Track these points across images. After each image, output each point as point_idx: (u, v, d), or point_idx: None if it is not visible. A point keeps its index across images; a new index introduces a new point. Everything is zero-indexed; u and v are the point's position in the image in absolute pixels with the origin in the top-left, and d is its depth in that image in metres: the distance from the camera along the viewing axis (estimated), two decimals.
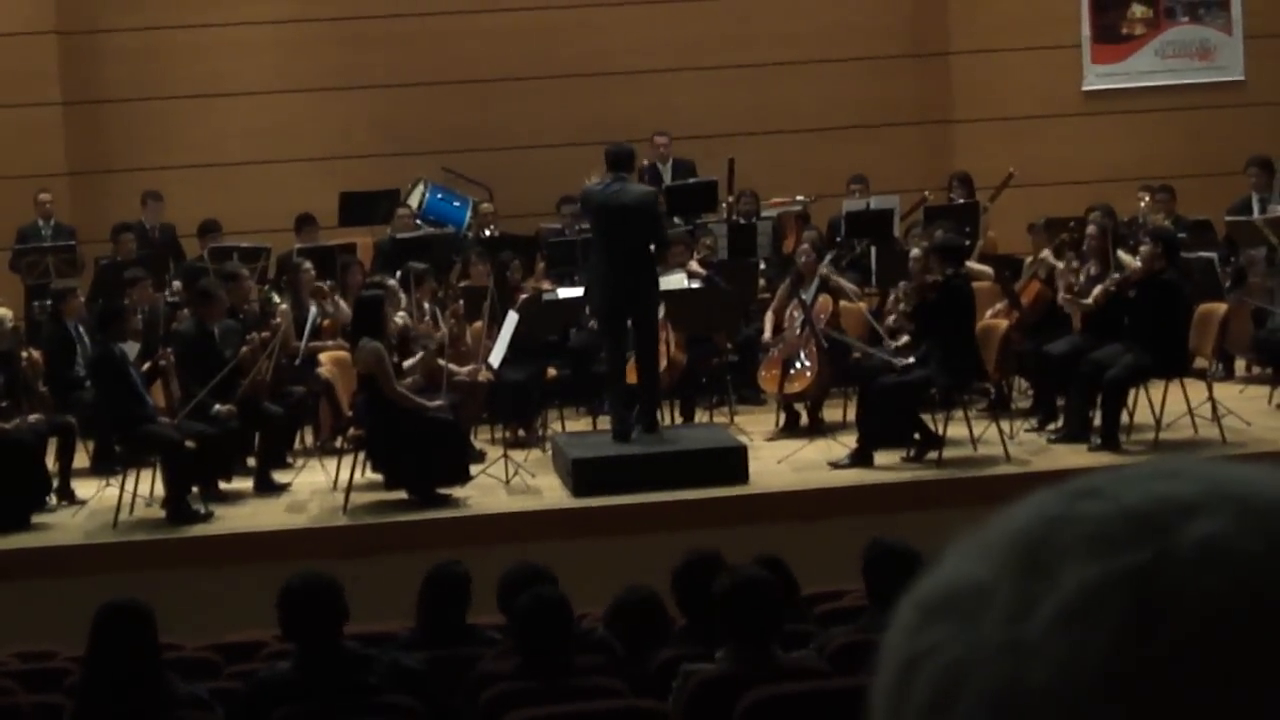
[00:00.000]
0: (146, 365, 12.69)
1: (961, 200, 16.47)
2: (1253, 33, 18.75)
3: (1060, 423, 13.18)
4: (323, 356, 13.35)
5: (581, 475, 12.07)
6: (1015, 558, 0.95)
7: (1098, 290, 13.09)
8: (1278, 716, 0.89)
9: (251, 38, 17.95)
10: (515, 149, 17.84)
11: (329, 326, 13.86)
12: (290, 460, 13.45)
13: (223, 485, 12.55)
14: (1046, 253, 14.01)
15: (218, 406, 12.24)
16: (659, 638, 7.37)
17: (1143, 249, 13.05)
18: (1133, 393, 12.81)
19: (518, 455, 12.90)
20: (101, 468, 13.16)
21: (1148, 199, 16.44)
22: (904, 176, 17.49)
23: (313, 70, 18.05)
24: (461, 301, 14.17)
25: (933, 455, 12.56)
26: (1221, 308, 13.67)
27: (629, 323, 12.57)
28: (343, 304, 13.88)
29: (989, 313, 13.86)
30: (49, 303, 13.97)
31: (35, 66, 17.46)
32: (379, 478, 12.31)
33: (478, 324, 13.87)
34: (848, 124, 18.39)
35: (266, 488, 12.74)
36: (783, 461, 12.80)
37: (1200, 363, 13.40)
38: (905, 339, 12.99)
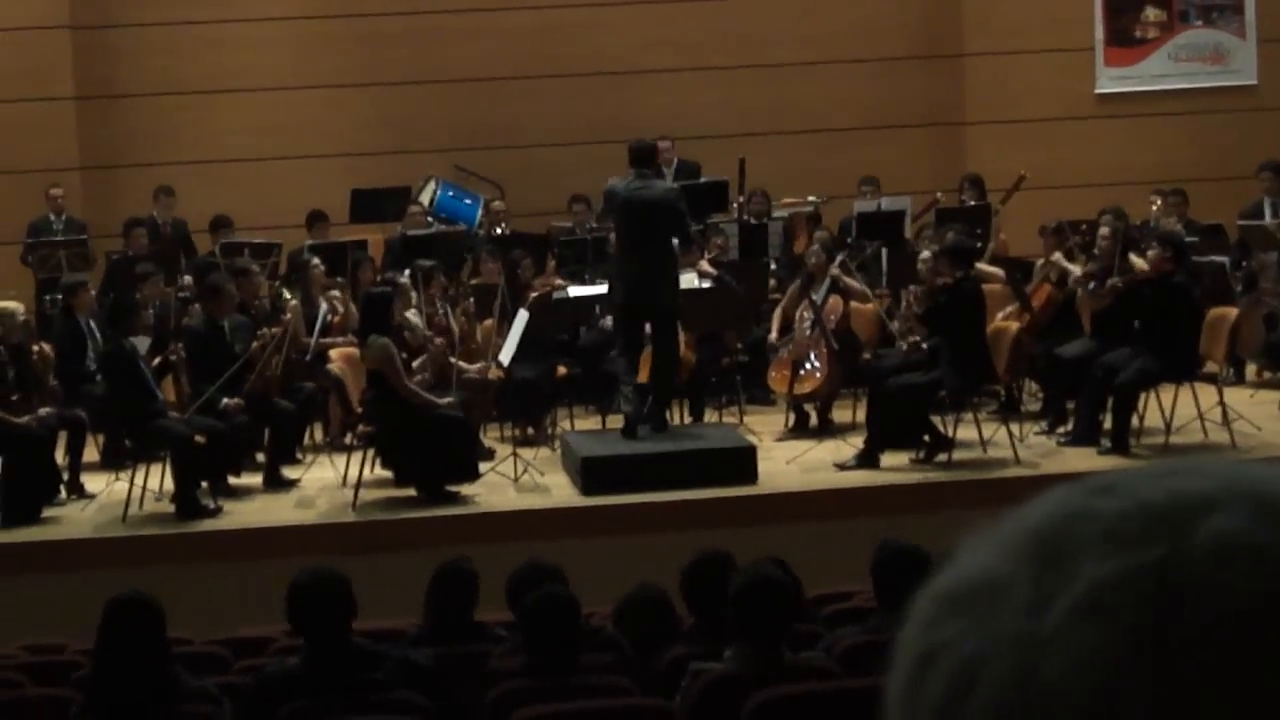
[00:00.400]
0: (157, 360, 12.70)
1: (973, 202, 16.45)
2: (1266, 37, 18.73)
3: (1070, 426, 13.17)
4: (333, 353, 13.35)
5: (590, 474, 12.07)
6: (1032, 552, 0.95)
7: (1111, 281, 13.08)
8: None
9: (264, 34, 17.96)
10: (527, 147, 17.85)
11: (339, 323, 13.87)
12: (300, 456, 13.46)
13: (232, 480, 12.55)
14: (1058, 255, 13.99)
15: (225, 400, 12.26)
16: (667, 636, 7.38)
17: (1150, 253, 13.04)
18: (1143, 396, 12.80)
19: (527, 453, 12.90)
20: (111, 462, 13.19)
21: (1160, 202, 16.42)
22: (915, 178, 17.49)
23: (325, 67, 18.06)
24: (472, 299, 14.18)
25: (942, 457, 12.55)
26: (1233, 312, 13.65)
27: (647, 320, 12.58)
28: (352, 306, 13.88)
29: (1000, 315, 13.85)
30: (60, 297, 13.99)
31: (48, 61, 17.48)
32: (388, 474, 12.32)
33: (488, 322, 13.89)
34: (860, 125, 18.38)
35: (276, 483, 12.75)
36: (792, 462, 12.80)
37: (1211, 367, 13.39)
38: (913, 338, 12.97)
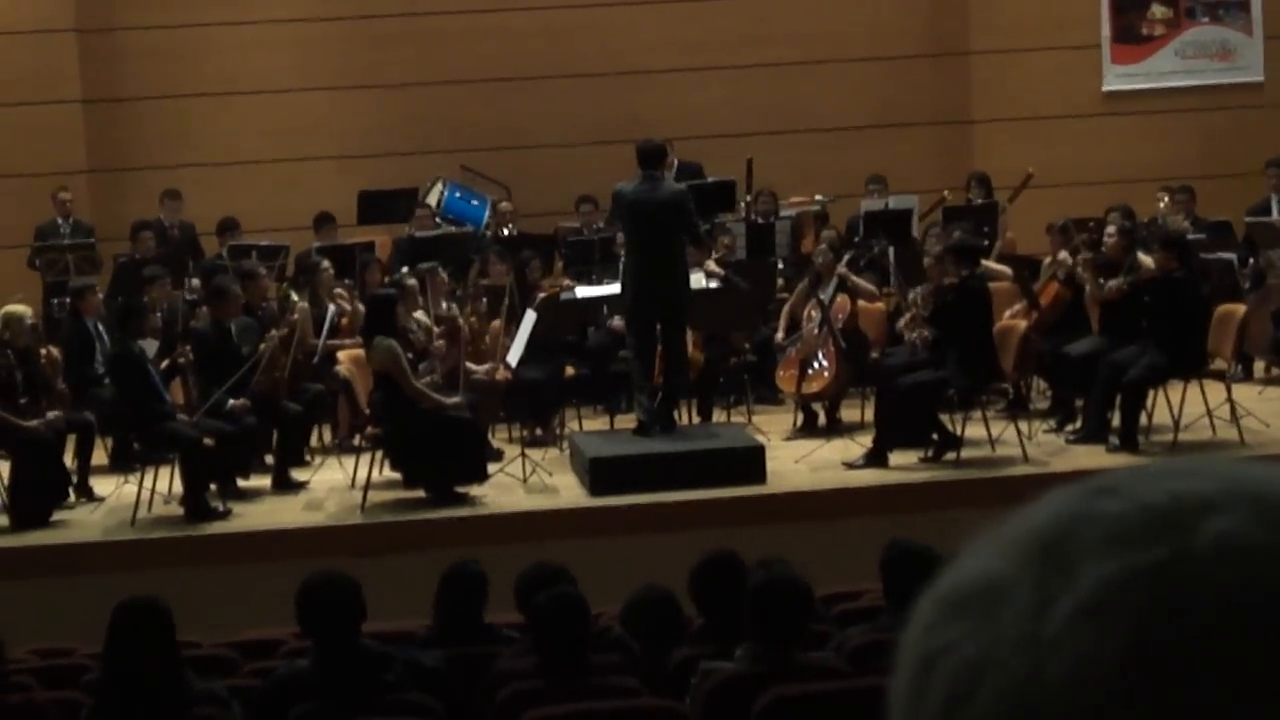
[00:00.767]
0: (165, 363, 12.70)
1: (980, 200, 16.45)
2: (1273, 34, 18.71)
3: (1079, 424, 13.17)
4: (341, 354, 13.36)
5: (599, 474, 12.07)
6: (1034, 555, 0.95)
7: (1111, 284, 13.08)
8: None
9: (271, 36, 17.96)
10: (534, 148, 17.85)
11: (347, 325, 13.87)
12: (308, 458, 13.47)
13: (241, 483, 12.57)
14: (1065, 254, 13.98)
15: (231, 402, 12.26)
16: (675, 636, 7.38)
17: (1154, 255, 13.03)
18: (1151, 394, 12.79)
19: (535, 454, 12.91)
20: (120, 465, 13.20)
21: (1167, 200, 16.41)
22: (922, 176, 17.48)
23: (332, 69, 18.07)
24: (485, 299, 14.17)
25: (951, 456, 12.55)
26: (1240, 309, 13.64)
27: (658, 321, 12.58)
28: (360, 307, 13.89)
29: (1007, 313, 13.84)
30: (68, 300, 14.00)
31: (55, 65, 17.49)
32: (397, 476, 12.32)
33: (495, 323, 13.89)
34: (866, 124, 18.38)
35: (284, 485, 12.75)
36: (800, 461, 12.80)
37: (1219, 364, 13.38)
38: (916, 333, 12.97)
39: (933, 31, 18.66)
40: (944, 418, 12.69)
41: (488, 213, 17.08)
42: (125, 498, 12.26)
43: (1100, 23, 18.72)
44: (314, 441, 13.84)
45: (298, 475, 12.94)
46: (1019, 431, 12.69)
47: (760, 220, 16.16)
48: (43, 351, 13.01)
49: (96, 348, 13.38)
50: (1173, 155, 17.99)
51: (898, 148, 18.11)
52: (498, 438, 13.70)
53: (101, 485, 12.77)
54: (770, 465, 12.30)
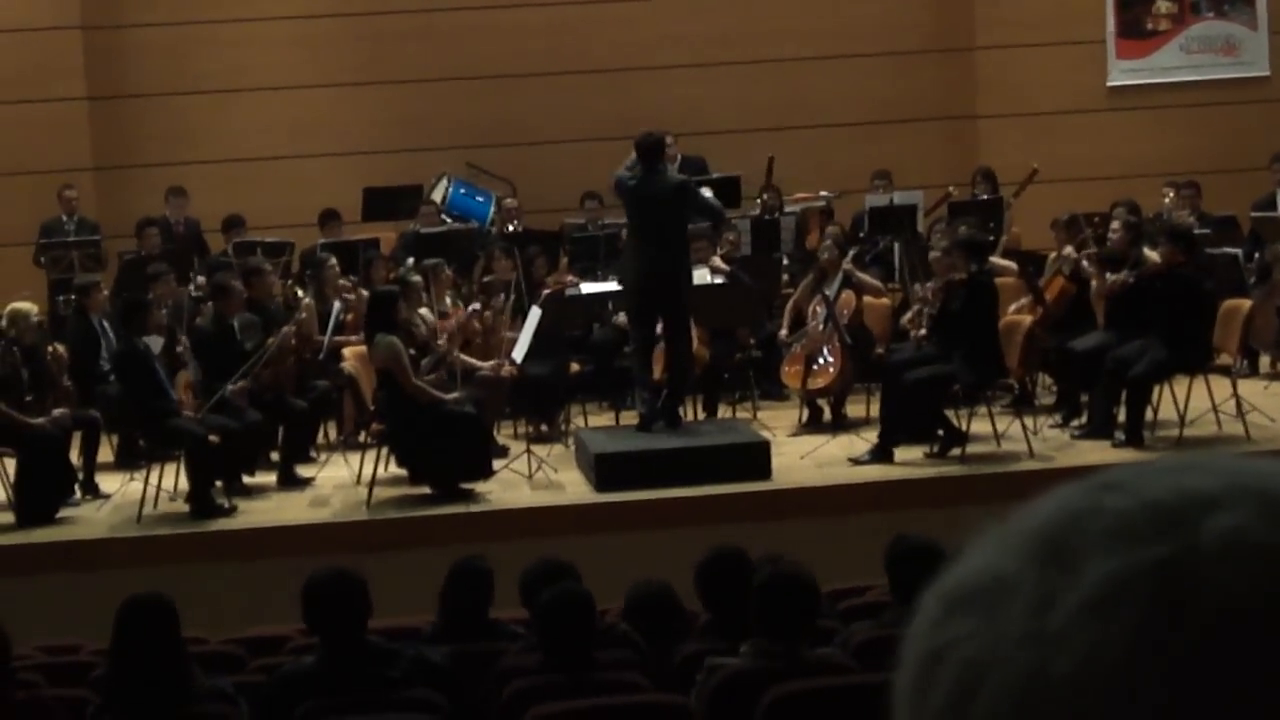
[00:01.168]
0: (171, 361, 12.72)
1: (986, 196, 16.45)
2: (1278, 28, 18.69)
3: (1084, 419, 13.16)
4: (346, 351, 13.36)
5: (604, 470, 12.07)
6: (1038, 551, 0.95)
7: (1115, 278, 13.08)
8: None
9: (276, 33, 17.97)
10: (538, 144, 17.85)
11: (353, 321, 13.87)
12: (314, 455, 13.47)
13: (246, 479, 12.57)
14: (1070, 249, 13.97)
15: (229, 387, 12.26)
16: (676, 631, 7.38)
17: (1160, 249, 13.02)
18: (1157, 389, 12.79)
19: (540, 450, 12.90)
20: (126, 462, 13.21)
21: (1172, 194, 16.40)
22: (928, 172, 17.47)
23: (337, 65, 18.07)
24: (503, 296, 14.17)
25: (956, 451, 12.55)
26: (1246, 304, 13.63)
27: (660, 315, 12.58)
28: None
29: (1012, 308, 13.83)
30: (73, 297, 14.01)
31: (60, 61, 17.50)
32: (402, 472, 12.33)
33: (502, 318, 13.91)
34: (872, 119, 18.37)
35: (290, 482, 12.76)
36: (805, 457, 12.79)
37: (1224, 359, 13.37)
38: (922, 331, 12.98)
39: (938, 27, 18.65)
40: (949, 413, 12.69)
41: (492, 209, 17.08)
42: (131, 494, 12.27)
43: (1105, 18, 18.71)
44: (320, 438, 13.84)
45: (303, 472, 12.95)
46: (1024, 427, 12.68)
47: (766, 216, 16.16)
48: (48, 349, 13.02)
49: (102, 345, 13.39)
50: (1178, 150, 17.98)
51: (903, 143, 18.11)
52: (503, 434, 13.70)
53: (107, 482, 12.78)
54: (776, 461, 12.29)
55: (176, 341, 13.09)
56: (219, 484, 12.15)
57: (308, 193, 16.91)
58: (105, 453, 13.15)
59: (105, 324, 13.51)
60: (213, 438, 11.88)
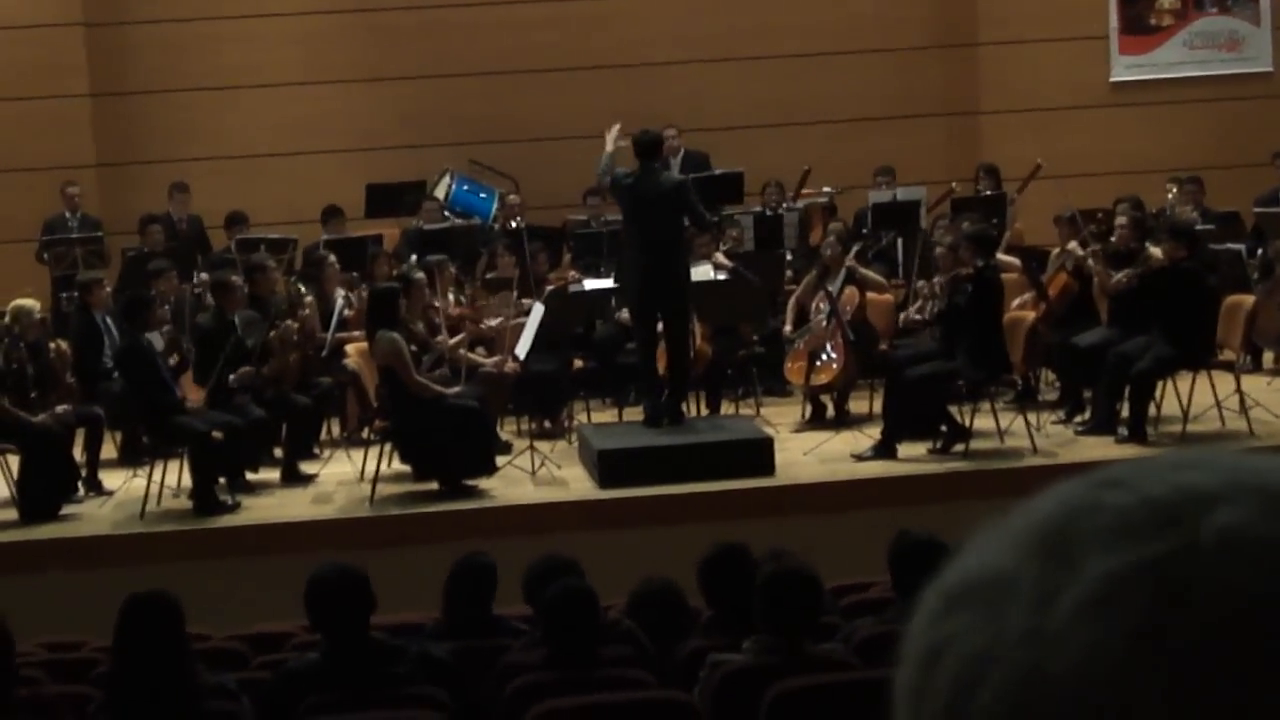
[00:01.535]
0: (174, 358, 12.71)
1: (989, 192, 16.45)
2: None
3: (1087, 415, 13.16)
4: (349, 348, 13.37)
5: (607, 466, 12.07)
6: (1038, 547, 0.95)
7: (1118, 277, 13.07)
8: None
9: (278, 30, 17.97)
10: (541, 141, 17.85)
11: (355, 317, 13.88)
12: (317, 451, 13.48)
13: (250, 476, 12.57)
14: (1073, 244, 13.96)
15: (232, 376, 12.27)
16: (680, 628, 7.38)
17: (1162, 245, 13.01)
18: (1160, 385, 12.78)
19: (544, 446, 12.91)
20: (129, 459, 13.22)
21: (1175, 190, 16.39)
22: (931, 168, 17.47)
23: (339, 62, 18.08)
24: (517, 293, 14.16)
25: (959, 447, 12.54)
26: (1249, 299, 13.62)
27: (660, 313, 12.58)
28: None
29: (1015, 304, 13.84)
30: (76, 294, 14.02)
31: (63, 59, 17.51)
32: (406, 469, 12.34)
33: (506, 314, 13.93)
34: (875, 115, 18.37)
35: (293, 479, 12.77)
36: (809, 453, 12.79)
37: (1228, 355, 13.37)
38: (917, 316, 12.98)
39: (941, 23, 18.64)
40: (952, 409, 12.69)
41: (495, 205, 17.08)
42: (134, 491, 12.28)
43: (1108, 13, 18.71)
44: (323, 435, 13.85)
45: (306, 468, 12.96)
46: (1028, 423, 12.68)
47: (769, 212, 16.16)
48: (51, 345, 13.03)
49: (105, 341, 13.39)
50: (1181, 146, 17.98)
51: (906, 139, 18.10)
52: (506, 430, 13.70)
53: (110, 479, 12.79)
54: (779, 457, 12.29)
55: (180, 338, 13.10)
56: (222, 480, 12.15)
57: (311, 189, 16.92)
58: (108, 449, 13.16)
59: (108, 320, 13.51)
60: (216, 434, 11.88)
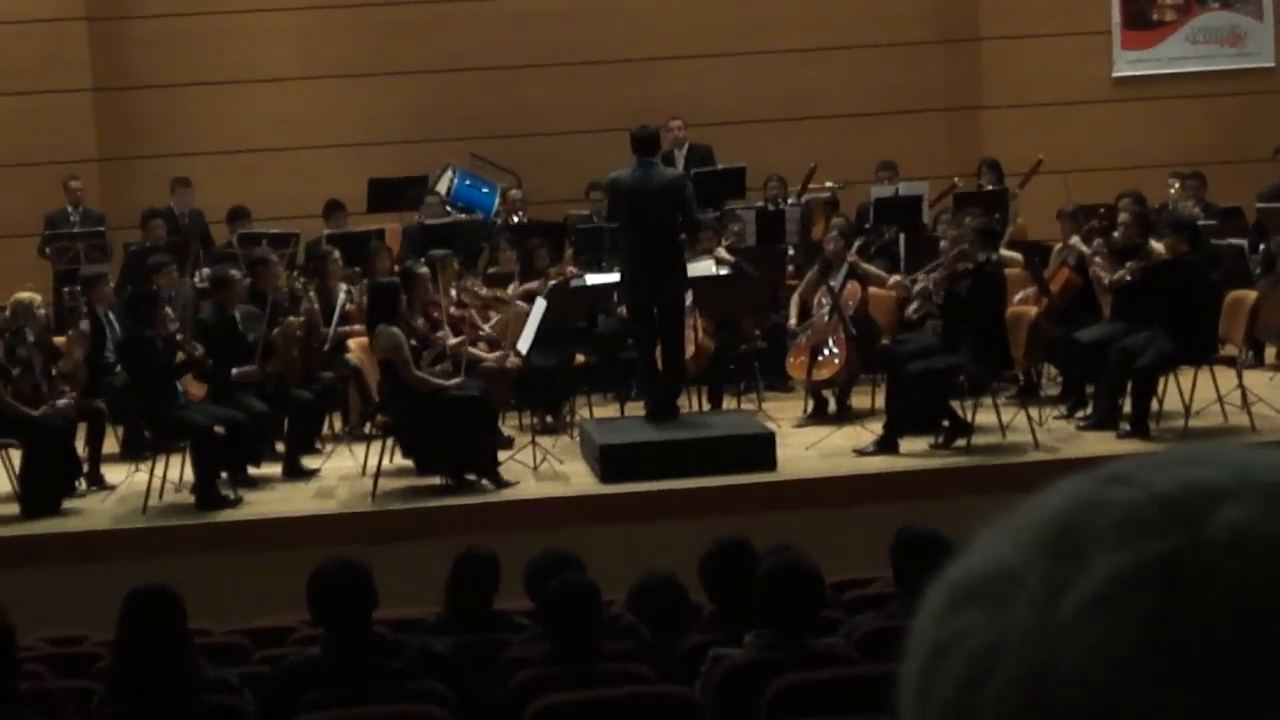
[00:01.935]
0: (181, 356, 12.70)
1: (991, 187, 16.44)
2: None
3: (1089, 410, 13.15)
4: (351, 342, 13.37)
5: (609, 461, 12.07)
6: (1045, 544, 0.95)
7: (1118, 275, 13.06)
8: None
9: (281, 24, 17.97)
10: (544, 135, 17.85)
11: (356, 312, 13.88)
12: (319, 446, 13.47)
13: (252, 471, 12.57)
14: (1076, 240, 13.96)
15: (235, 371, 12.27)
16: (681, 622, 7.38)
17: (1165, 240, 13.01)
18: (1162, 380, 12.77)
19: (546, 441, 12.90)
20: (131, 453, 13.21)
21: (1178, 186, 16.39)
22: (933, 163, 17.47)
23: (342, 57, 18.08)
24: (535, 286, 14.17)
25: (961, 442, 12.54)
26: (1251, 295, 13.63)
27: (655, 308, 12.57)
28: None
29: (1016, 298, 13.84)
30: (79, 289, 14.00)
31: (65, 53, 17.51)
32: (408, 463, 12.33)
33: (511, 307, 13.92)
34: (877, 110, 18.36)
35: (295, 473, 12.76)
36: (811, 448, 12.79)
37: (1230, 350, 13.36)
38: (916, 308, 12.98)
39: (943, 17, 18.64)
40: (954, 404, 12.68)
41: (497, 200, 17.08)
42: (136, 486, 12.27)
43: (1110, 8, 18.70)
44: (325, 429, 13.84)
45: (309, 463, 12.95)
46: (1030, 418, 12.67)
47: (771, 207, 16.16)
48: (51, 340, 13.03)
49: (107, 336, 13.39)
50: (1183, 141, 17.98)
51: (908, 134, 18.10)
52: (508, 425, 13.69)
53: (113, 473, 12.78)
54: (781, 452, 12.29)
55: (182, 332, 13.09)
56: (224, 475, 12.15)
57: (312, 184, 16.92)
58: (110, 444, 13.16)
59: (111, 315, 13.51)
60: (218, 429, 11.88)
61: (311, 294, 13.68)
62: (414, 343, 12.28)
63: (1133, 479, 0.96)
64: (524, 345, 13.12)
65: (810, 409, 14.02)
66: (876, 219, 15.72)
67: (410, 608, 8.42)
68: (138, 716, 6.24)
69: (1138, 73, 18.72)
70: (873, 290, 14.17)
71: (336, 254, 14.33)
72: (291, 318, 13.00)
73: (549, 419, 13.98)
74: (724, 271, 14.28)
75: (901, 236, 15.25)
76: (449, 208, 16.69)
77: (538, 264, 14.63)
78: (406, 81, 18.08)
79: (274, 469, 12.81)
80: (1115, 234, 13.57)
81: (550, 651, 6.61)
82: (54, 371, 12.63)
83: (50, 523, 11.88)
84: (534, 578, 7.38)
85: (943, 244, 13.40)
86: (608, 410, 14.31)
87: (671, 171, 13.36)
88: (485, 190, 17.29)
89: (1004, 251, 14.17)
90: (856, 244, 14.35)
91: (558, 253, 15.49)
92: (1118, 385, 12.71)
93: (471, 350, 13.13)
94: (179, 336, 12.30)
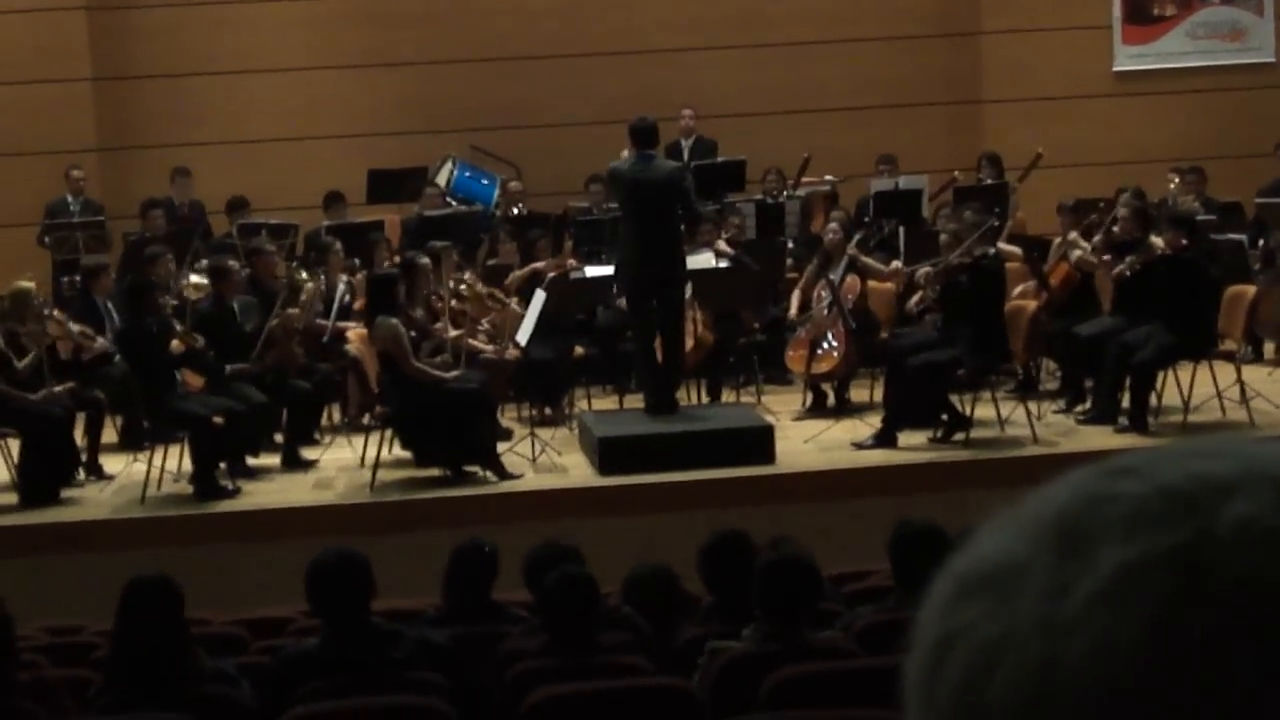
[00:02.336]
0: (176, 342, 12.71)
1: (991, 181, 16.43)
2: None
3: (1088, 404, 13.16)
4: (351, 333, 13.37)
5: (607, 454, 12.07)
6: (1052, 536, 0.95)
7: (1116, 271, 13.05)
8: None
9: (281, 14, 17.96)
10: (544, 127, 17.84)
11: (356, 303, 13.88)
12: (318, 437, 13.48)
13: (250, 461, 12.57)
14: (1075, 234, 13.96)
15: (230, 368, 12.28)
16: (676, 612, 7.39)
17: (1164, 235, 13.00)
18: (1161, 375, 12.77)
19: (544, 433, 12.90)
20: (130, 443, 13.21)
21: (1177, 180, 16.38)
22: (933, 156, 17.46)
23: (342, 48, 18.06)
24: (533, 281, 14.17)
25: (960, 436, 12.54)
26: (1251, 290, 13.63)
27: (654, 300, 12.57)
28: None
29: (1016, 292, 13.84)
30: (78, 278, 14.00)
31: (65, 42, 17.50)
32: (406, 455, 12.33)
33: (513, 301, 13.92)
34: (877, 103, 18.35)
35: (294, 464, 12.77)
36: (809, 441, 12.79)
37: (1229, 345, 13.37)
38: (917, 302, 12.97)
39: (944, 11, 18.63)
40: (953, 398, 12.68)
41: (497, 192, 17.08)
42: (135, 476, 12.27)
43: (1111, 3, 18.69)
44: (324, 420, 13.84)
45: (307, 454, 12.96)
46: (1028, 412, 12.67)
47: (770, 200, 16.16)
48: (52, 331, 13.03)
49: (106, 326, 13.39)
50: (1183, 136, 17.97)
51: (908, 127, 18.09)
52: (507, 417, 13.70)
53: (111, 463, 12.78)
54: (779, 445, 12.29)
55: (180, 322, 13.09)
56: (223, 466, 12.15)
57: (312, 175, 16.91)
58: (109, 434, 13.16)
59: (110, 305, 13.50)
60: (216, 419, 11.88)
61: (311, 285, 13.63)
62: (413, 334, 12.28)
63: (1140, 472, 0.96)
64: (523, 337, 13.12)
65: (809, 402, 14.02)
66: (876, 212, 15.72)
67: (409, 599, 8.43)
68: (136, 706, 6.24)
69: (1138, 67, 18.71)
70: (872, 284, 14.16)
71: (338, 245, 14.32)
72: (290, 310, 13.00)
73: (548, 411, 13.98)
74: (723, 264, 14.28)
75: (901, 230, 15.24)
76: (449, 199, 16.68)
77: (538, 256, 14.62)
78: (406, 73, 18.07)
79: (272, 460, 12.81)
80: (1114, 229, 13.56)
81: (548, 643, 6.62)
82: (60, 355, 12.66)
83: (49, 512, 11.88)
84: (532, 570, 7.38)
85: (942, 238, 13.39)
86: (606, 402, 14.32)
87: (671, 164, 13.36)
88: (485, 182, 17.28)
89: (1004, 246, 14.17)
90: (856, 237, 14.34)
91: (558, 245, 15.48)
92: (1117, 380, 12.71)
93: (471, 342, 13.13)
94: (178, 328, 12.30)
